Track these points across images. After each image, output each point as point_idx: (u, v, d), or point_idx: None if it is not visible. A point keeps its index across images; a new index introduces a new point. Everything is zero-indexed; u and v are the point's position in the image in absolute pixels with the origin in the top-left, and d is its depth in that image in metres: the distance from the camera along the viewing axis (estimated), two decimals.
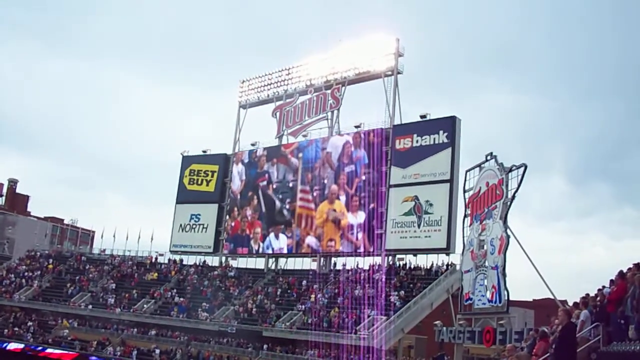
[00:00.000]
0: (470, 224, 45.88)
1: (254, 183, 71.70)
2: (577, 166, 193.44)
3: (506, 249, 40.40)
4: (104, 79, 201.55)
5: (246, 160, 73.30)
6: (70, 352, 62.04)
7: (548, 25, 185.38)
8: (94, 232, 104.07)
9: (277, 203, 68.77)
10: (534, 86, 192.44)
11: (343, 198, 62.65)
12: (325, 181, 64.91)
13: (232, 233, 72.58)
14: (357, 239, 60.77)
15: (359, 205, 60.91)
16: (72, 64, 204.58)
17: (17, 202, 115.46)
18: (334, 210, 62.99)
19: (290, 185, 68.10)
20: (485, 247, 43.04)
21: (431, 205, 56.36)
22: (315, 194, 65.28)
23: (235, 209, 72.89)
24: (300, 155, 67.64)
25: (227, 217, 73.77)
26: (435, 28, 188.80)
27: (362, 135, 63.15)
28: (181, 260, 76.52)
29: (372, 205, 60.07)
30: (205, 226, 74.89)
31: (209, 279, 69.31)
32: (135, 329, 64.56)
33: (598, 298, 16.95)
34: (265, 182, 70.50)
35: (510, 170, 41.92)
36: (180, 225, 76.68)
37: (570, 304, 19.90)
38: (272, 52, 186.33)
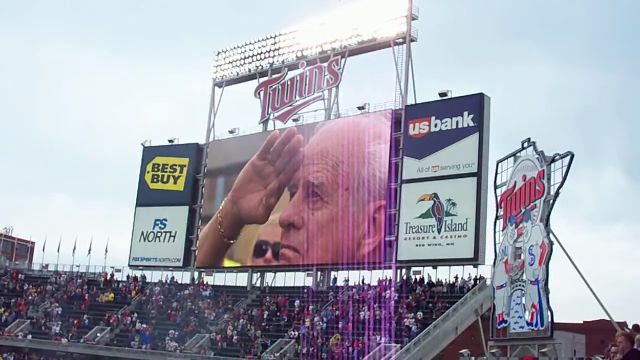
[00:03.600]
0: (504, 228, 45.82)
1: None
2: (637, 156, 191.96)
3: (549, 258, 40.33)
4: (43, 53, 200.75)
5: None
6: None
7: None
8: (33, 243, 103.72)
9: None
10: (583, 55, 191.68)
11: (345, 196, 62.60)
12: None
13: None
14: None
15: (365, 205, 60.84)
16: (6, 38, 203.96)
17: None
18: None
19: None
20: (522, 256, 42.98)
21: (454, 204, 56.37)
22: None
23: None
24: None
25: (200, 222, 73.73)
26: None
27: (368, 119, 63.06)
28: (143, 277, 76.58)
29: (380, 205, 60.03)
30: (172, 234, 74.95)
31: (178, 300, 69.31)
32: None
33: None
34: None
35: (553, 160, 41.85)
36: (142, 233, 76.72)
37: (631, 326, 19.75)
38: (255, 16, 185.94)
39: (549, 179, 41.82)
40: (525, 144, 44.78)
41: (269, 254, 66.21)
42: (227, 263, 70.96)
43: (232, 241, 69.75)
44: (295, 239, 64.36)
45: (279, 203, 66.59)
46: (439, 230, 56.76)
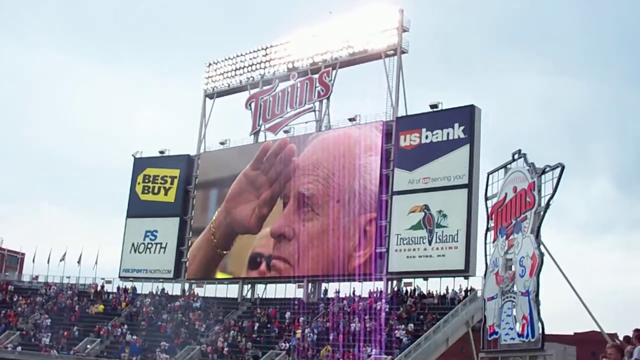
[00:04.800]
0: (494, 240, 45.86)
1: None
2: (628, 167, 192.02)
3: (540, 270, 40.36)
4: (34, 63, 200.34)
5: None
6: None
7: None
8: (23, 254, 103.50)
9: None
10: (571, 67, 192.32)
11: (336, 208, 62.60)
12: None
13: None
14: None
15: (356, 218, 60.85)
16: None
17: None
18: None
19: None
20: (513, 268, 43.00)
21: (445, 216, 56.44)
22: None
23: None
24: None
25: (191, 233, 73.64)
26: None
27: (359, 131, 63.13)
28: (134, 289, 76.42)
29: (371, 217, 60.06)
30: (163, 245, 74.82)
31: (168, 312, 69.15)
32: None
33: None
34: None
35: (544, 172, 41.94)
36: (133, 244, 76.56)
37: (621, 338, 19.77)
38: (246, 27, 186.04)
39: (539, 190, 41.89)
40: (516, 156, 44.85)
41: (263, 266, 66.17)
42: (219, 275, 70.86)
43: (225, 252, 69.62)
44: (286, 250, 64.32)
45: (272, 213, 66.57)
46: (429, 242, 56.79)
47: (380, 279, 59.20)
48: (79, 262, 79.72)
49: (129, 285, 77.03)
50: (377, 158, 60.98)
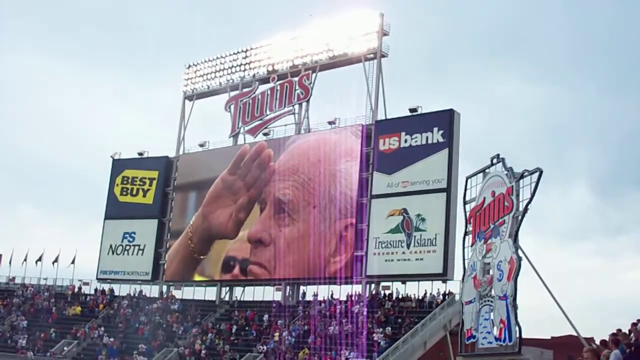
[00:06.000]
0: (472, 244, 45.94)
1: None
2: (605, 173, 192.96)
3: (517, 274, 40.46)
4: (9, 63, 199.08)
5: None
6: None
7: None
8: (0, 255, 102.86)
9: None
10: (551, 74, 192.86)
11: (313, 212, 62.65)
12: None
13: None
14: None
15: (334, 221, 60.91)
16: None
17: None
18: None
19: None
20: (491, 272, 43.09)
21: (423, 220, 56.59)
22: None
23: None
24: None
25: (169, 235, 73.47)
26: (429, 0, 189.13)
27: (338, 135, 63.21)
28: (111, 291, 76.19)
29: (349, 221, 60.13)
30: (141, 247, 74.64)
31: (146, 314, 68.94)
32: None
33: (632, 335, 17.03)
34: None
35: (522, 176, 42.06)
36: (110, 246, 76.32)
37: (598, 342, 19.96)
38: (226, 29, 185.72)
39: (517, 195, 41.99)
40: (495, 160, 44.96)
41: (236, 270, 66.14)
42: (197, 278, 70.73)
43: (202, 257, 69.57)
44: (262, 256, 64.33)
45: (249, 218, 66.56)
46: (408, 246, 56.92)
47: (359, 282, 59.29)
48: (55, 261, 79.09)
49: (106, 287, 76.76)
50: (356, 163, 61.04)
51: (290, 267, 62.76)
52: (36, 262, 79.98)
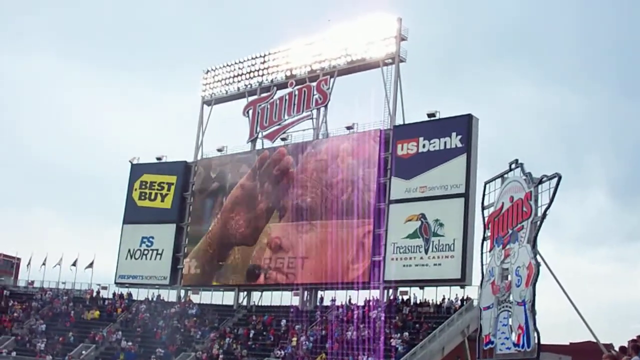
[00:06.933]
0: (491, 249, 45.84)
1: None
2: (622, 178, 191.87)
3: (536, 279, 40.35)
4: (29, 67, 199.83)
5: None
6: None
7: (582, 1, 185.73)
8: (19, 259, 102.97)
9: None
10: (568, 79, 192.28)
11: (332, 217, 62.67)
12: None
13: None
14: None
15: (353, 227, 60.88)
16: None
17: None
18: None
19: None
20: (509, 277, 42.98)
21: (442, 225, 56.48)
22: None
23: None
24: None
25: (187, 240, 73.60)
26: (446, 5, 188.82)
27: (357, 141, 63.21)
28: (129, 295, 76.36)
29: (367, 227, 60.09)
30: (159, 252, 74.77)
31: (164, 318, 69.07)
32: None
33: None
34: None
35: (541, 181, 41.93)
36: (129, 250, 76.51)
37: (617, 348, 19.82)
38: (244, 35, 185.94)
39: (536, 200, 41.88)
40: (513, 165, 44.87)
41: (261, 279, 66.36)
42: (215, 283, 70.83)
43: (221, 263, 69.68)
44: (283, 262, 64.48)
45: (268, 225, 66.70)
46: (426, 251, 56.82)
47: (377, 288, 59.21)
48: (73, 265, 79.46)
49: (124, 291, 76.97)
50: (374, 168, 61.01)
51: (310, 274, 62.95)
52: (55, 265, 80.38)
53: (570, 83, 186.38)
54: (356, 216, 60.75)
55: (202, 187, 74.03)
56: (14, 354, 68.25)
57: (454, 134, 57.74)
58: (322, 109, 67.38)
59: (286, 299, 66.01)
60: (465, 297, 55.87)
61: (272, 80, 71.31)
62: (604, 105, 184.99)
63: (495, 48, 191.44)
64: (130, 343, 65.99)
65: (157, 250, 74.97)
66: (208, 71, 76.57)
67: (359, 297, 60.86)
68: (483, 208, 47.85)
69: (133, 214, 77.47)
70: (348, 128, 64.71)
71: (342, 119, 66.57)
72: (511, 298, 42.41)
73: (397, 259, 58.20)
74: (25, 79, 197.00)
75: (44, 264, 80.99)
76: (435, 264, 56.24)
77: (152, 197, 77.01)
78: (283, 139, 69.02)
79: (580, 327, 40.73)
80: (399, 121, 62.28)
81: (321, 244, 62.66)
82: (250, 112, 71.84)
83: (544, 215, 41.41)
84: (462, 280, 55.03)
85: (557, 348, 69.43)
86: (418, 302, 58.70)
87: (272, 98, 70.67)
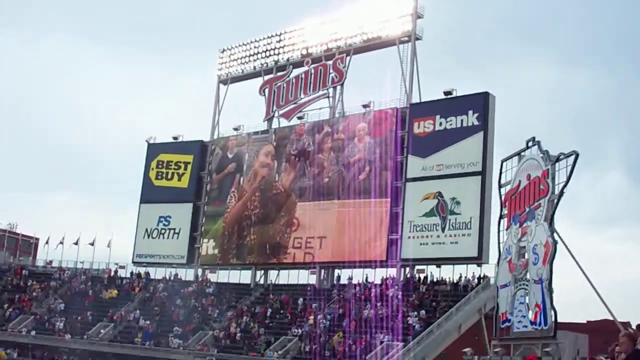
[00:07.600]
0: (508, 227, 45.82)
1: None
2: (639, 157, 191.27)
3: (553, 258, 40.33)
4: (44, 50, 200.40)
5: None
6: None
7: None
8: (37, 239, 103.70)
9: None
10: (585, 57, 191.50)
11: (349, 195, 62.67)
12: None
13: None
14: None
15: (373, 206, 60.86)
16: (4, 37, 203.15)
17: None
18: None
19: None
20: (526, 255, 42.98)
21: (458, 203, 56.39)
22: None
23: None
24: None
25: (204, 219, 73.80)
26: None
27: (372, 117, 63.10)
28: (147, 274, 76.70)
29: (385, 206, 60.07)
30: (177, 231, 75.02)
31: (181, 297, 69.30)
32: None
33: None
34: None
35: (558, 159, 41.80)
36: (146, 230, 76.82)
37: (634, 326, 19.76)
38: (260, 13, 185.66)
39: (553, 178, 41.80)
40: (530, 143, 44.74)
41: (279, 257, 66.55)
42: (234, 262, 70.92)
43: (240, 242, 69.81)
44: (301, 242, 64.64)
45: (286, 204, 66.81)
46: (443, 229, 56.77)
47: (394, 266, 59.27)
48: (91, 244, 79.95)
49: (142, 270, 77.27)
50: (390, 146, 60.88)
51: (327, 252, 63.04)
52: (73, 244, 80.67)
53: (588, 63, 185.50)
54: (373, 195, 60.68)
55: (219, 167, 74.05)
56: (33, 332, 68.72)
57: (470, 112, 57.51)
58: (338, 87, 67.23)
59: (303, 277, 66.36)
60: (482, 275, 55.95)
61: (288, 59, 71.14)
62: (621, 85, 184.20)
63: (512, 26, 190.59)
64: (148, 322, 66.31)
65: (174, 229, 75.17)
66: (224, 50, 76.45)
67: (376, 275, 61.10)
68: (500, 186, 47.83)
69: (150, 194, 77.66)
70: (364, 106, 64.52)
71: (359, 98, 66.74)
72: (528, 276, 42.43)
73: (414, 237, 58.19)
74: (40, 63, 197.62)
75: (61, 242, 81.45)
76: (452, 242, 56.19)
77: (169, 176, 77.15)
78: (299, 118, 68.98)
79: (595, 305, 40.83)
80: (415, 99, 62.09)
81: (339, 223, 62.71)
82: (267, 91, 71.73)
83: (562, 193, 41.34)
84: (479, 259, 55.02)
85: (574, 326, 69.38)
86: (435, 280, 58.75)
87: (288, 77, 70.53)
